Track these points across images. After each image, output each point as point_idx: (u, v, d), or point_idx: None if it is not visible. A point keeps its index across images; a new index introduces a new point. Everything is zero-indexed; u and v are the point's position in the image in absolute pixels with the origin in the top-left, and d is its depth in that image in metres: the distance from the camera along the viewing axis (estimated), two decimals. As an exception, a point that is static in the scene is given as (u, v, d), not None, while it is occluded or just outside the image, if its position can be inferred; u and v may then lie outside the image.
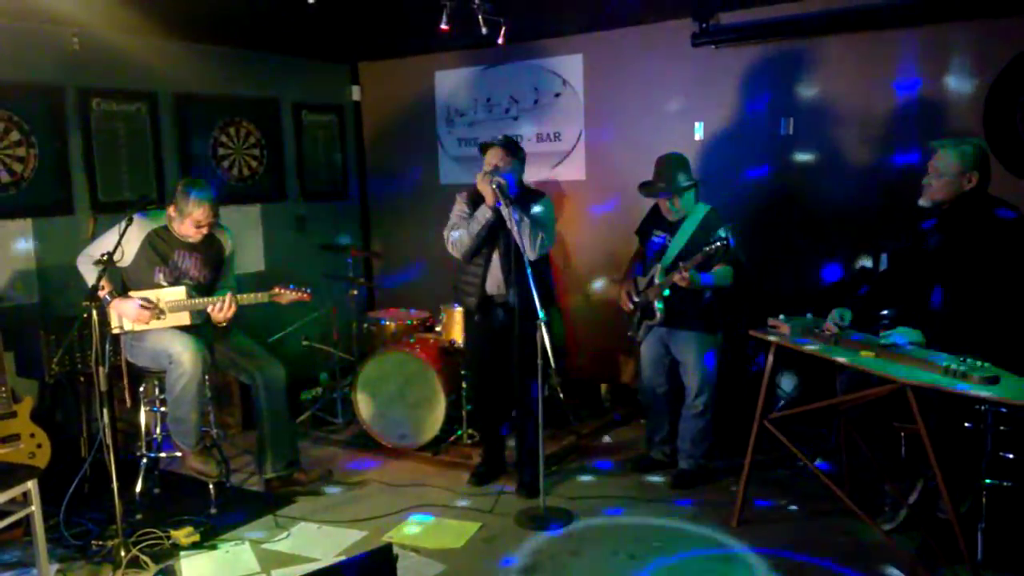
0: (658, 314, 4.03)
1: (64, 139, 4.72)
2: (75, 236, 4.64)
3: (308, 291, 3.99)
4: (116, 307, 3.81)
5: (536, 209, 3.94)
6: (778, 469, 4.18)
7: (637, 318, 4.23)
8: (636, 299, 4.19)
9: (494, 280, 4.00)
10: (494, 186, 3.76)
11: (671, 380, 4.24)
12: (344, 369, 5.40)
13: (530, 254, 3.76)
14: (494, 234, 3.93)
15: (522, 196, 3.93)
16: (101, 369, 3.30)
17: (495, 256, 3.99)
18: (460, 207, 4.07)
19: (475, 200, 4.00)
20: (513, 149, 3.97)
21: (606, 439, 4.93)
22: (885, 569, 3.24)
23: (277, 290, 3.96)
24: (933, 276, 3.26)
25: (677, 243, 4.02)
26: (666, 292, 3.97)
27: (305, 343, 5.45)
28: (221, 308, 3.85)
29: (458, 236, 3.95)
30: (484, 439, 4.37)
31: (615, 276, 4.37)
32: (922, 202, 3.33)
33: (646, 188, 4.10)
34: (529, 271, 3.64)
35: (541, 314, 3.54)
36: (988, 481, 3.14)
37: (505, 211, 3.77)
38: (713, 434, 4.19)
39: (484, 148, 4.01)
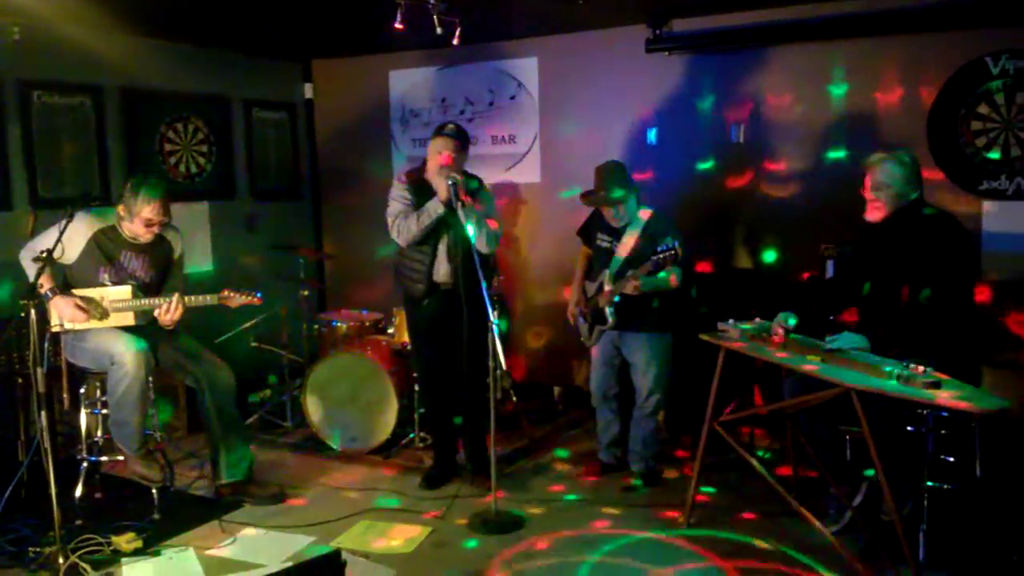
0: (610, 319, 4.05)
1: (3, 132, 4.56)
2: (14, 232, 4.49)
3: (258, 295, 3.91)
4: (55, 304, 3.69)
5: (484, 202, 3.95)
6: (730, 471, 4.23)
7: (589, 324, 4.24)
8: (585, 308, 4.20)
9: (441, 268, 3.97)
10: (450, 183, 3.74)
11: (622, 382, 4.26)
12: (294, 371, 5.32)
13: (484, 249, 3.74)
14: (441, 224, 3.89)
15: (466, 186, 3.87)
16: (39, 369, 3.19)
17: (442, 246, 3.96)
18: (401, 191, 3.99)
19: (417, 185, 3.95)
20: (463, 140, 3.95)
21: (559, 442, 4.93)
22: (830, 570, 3.30)
23: (226, 293, 3.87)
24: (883, 283, 3.32)
25: (623, 248, 4.05)
26: (616, 298, 4.00)
27: (254, 345, 5.35)
28: (168, 310, 3.76)
29: (404, 225, 3.89)
30: (436, 440, 4.34)
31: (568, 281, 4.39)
32: (871, 217, 3.38)
33: (588, 198, 4.12)
34: (478, 262, 3.63)
35: (493, 317, 3.53)
36: (930, 483, 3.21)
37: (460, 211, 3.75)
38: (664, 435, 4.23)
39: (434, 136, 3.95)
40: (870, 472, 3.29)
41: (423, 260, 3.97)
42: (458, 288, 3.91)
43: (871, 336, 3.25)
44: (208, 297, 3.84)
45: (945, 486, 3.25)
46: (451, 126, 3.96)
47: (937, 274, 3.18)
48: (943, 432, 3.26)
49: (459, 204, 3.73)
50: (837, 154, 4.67)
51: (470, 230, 3.75)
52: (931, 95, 4.40)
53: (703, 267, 5.05)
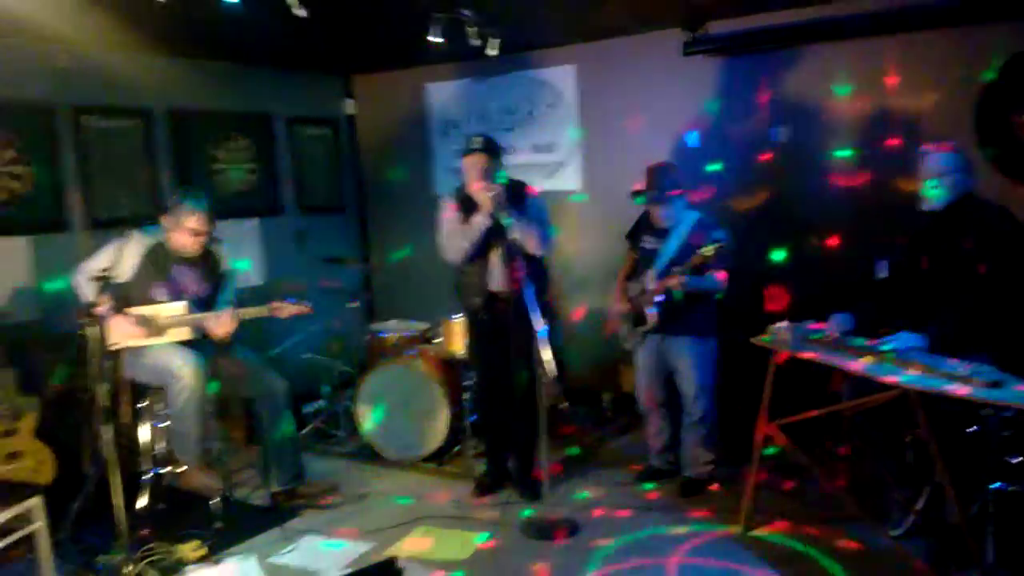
0: (650, 321, 4.04)
1: (58, 156, 4.70)
2: (72, 253, 4.60)
3: (308, 304, 3.98)
4: (114, 323, 3.79)
5: (530, 209, 3.98)
6: (786, 476, 4.18)
7: (630, 326, 4.24)
8: (628, 307, 4.19)
9: (496, 278, 4.01)
10: (491, 194, 3.77)
11: (669, 388, 4.24)
12: (346, 381, 5.38)
13: (537, 251, 3.79)
14: (491, 235, 3.93)
15: (510, 192, 3.90)
16: (101, 385, 3.29)
17: (494, 256, 3.99)
18: (451, 213, 4.05)
19: (464, 203, 3.99)
20: (493, 150, 3.96)
21: (610, 448, 4.92)
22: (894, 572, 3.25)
23: (276, 304, 3.94)
24: (947, 279, 3.27)
25: (668, 249, 4.04)
26: (659, 298, 3.99)
27: (306, 356, 5.43)
28: (221, 323, 3.84)
29: (457, 245, 3.95)
30: (488, 447, 4.36)
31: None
32: (928, 205, 3.34)
33: (640, 196, 4.13)
34: (533, 268, 3.70)
35: (541, 325, 3.54)
36: (995, 485, 3.15)
37: (505, 219, 3.78)
38: (719, 440, 4.20)
39: (464, 154, 3.98)
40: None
41: (478, 273, 4.01)
42: (515, 297, 3.94)
43: (928, 335, 3.20)
44: (260, 308, 3.93)
45: (1010, 487, 3.19)
46: (477, 139, 3.98)
47: (996, 267, 3.14)
48: (1005, 433, 3.21)
49: (502, 213, 3.76)
50: (885, 151, 4.61)
51: (516, 236, 3.78)
52: (980, 87, 4.33)
53: (748, 268, 5.01)
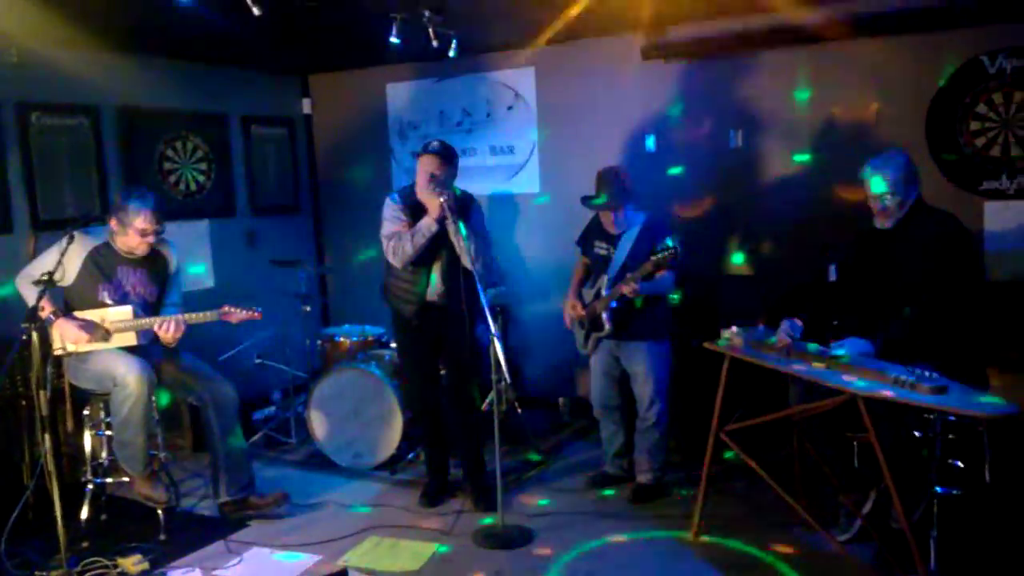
0: (607, 326, 4.03)
1: (3, 154, 4.57)
2: (15, 255, 4.49)
3: (258, 310, 3.89)
4: (58, 327, 3.69)
5: (474, 218, 3.94)
6: (737, 480, 4.20)
7: (585, 332, 4.23)
8: (582, 313, 4.18)
9: (435, 289, 3.97)
10: (441, 200, 3.72)
11: (623, 393, 4.24)
12: (297, 387, 5.31)
13: (476, 267, 3.71)
14: (434, 243, 3.88)
15: (456, 202, 3.86)
16: (42, 392, 3.19)
17: (436, 266, 3.95)
18: (394, 212, 3.97)
19: (410, 204, 3.94)
20: (450, 156, 3.91)
21: (564, 453, 4.91)
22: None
23: (226, 308, 3.85)
24: (898, 286, 3.30)
25: (620, 254, 4.04)
26: (613, 303, 3.98)
27: (257, 361, 5.34)
28: (168, 328, 3.75)
29: (399, 246, 3.87)
30: (429, 456, 4.30)
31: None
32: (882, 224, 3.38)
33: (589, 202, 4.11)
34: (478, 281, 3.62)
35: (493, 328, 3.52)
36: (939, 489, 3.19)
37: (451, 227, 3.75)
38: (670, 445, 4.21)
39: (419, 154, 3.93)
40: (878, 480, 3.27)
41: (416, 280, 3.95)
42: (451, 305, 3.91)
43: (877, 340, 3.23)
44: (209, 313, 3.83)
45: (954, 491, 3.23)
46: (435, 143, 3.93)
47: (941, 275, 3.18)
48: (951, 437, 3.25)
49: (449, 221, 3.72)
50: (834, 156, 4.66)
51: (459, 246, 3.75)
52: (928, 96, 4.39)
53: (703, 272, 5.04)
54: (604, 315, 4.03)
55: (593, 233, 4.22)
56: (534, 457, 4.73)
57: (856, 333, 3.33)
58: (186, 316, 3.79)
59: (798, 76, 4.73)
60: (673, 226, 4.11)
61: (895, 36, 4.43)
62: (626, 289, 3.83)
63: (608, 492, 4.26)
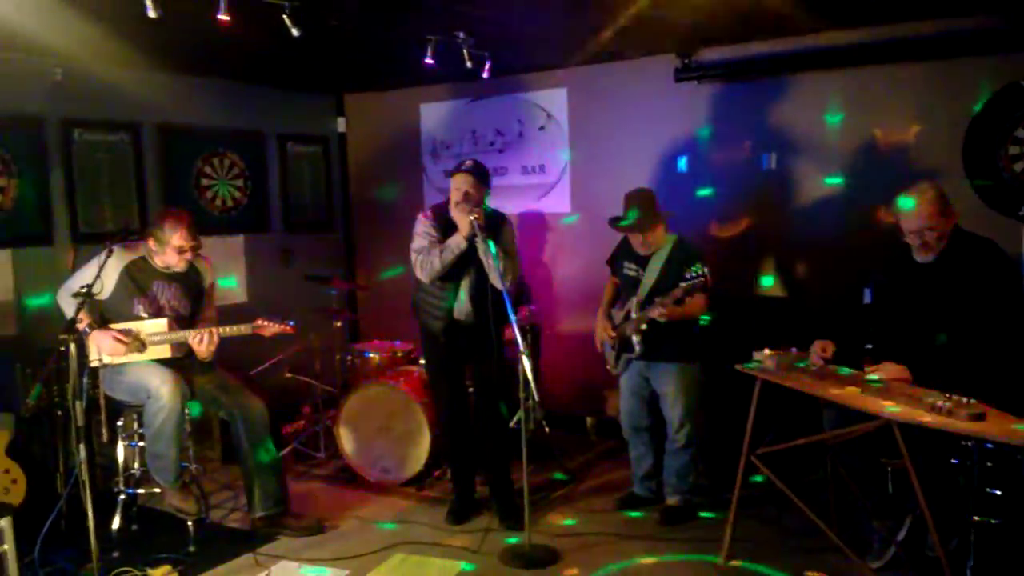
0: (636, 348, 4.02)
1: (46, 169, 4.68)
2: (55, 268, 4.59)
3: (291, 324, 3.93)
4: (94, 339, 3.75)
5: (504, 237, 3.95)
6: (768, 504, 4.15)
7: (616, 352, 4.22)
8: (612, 334, 4.17)
9: (463, 307, 3.99)
10: (472, 218, 3.75)
11: (653, 414, 4.21)
12: (327, 402, 5.34)
13: (502, 285, 3.72)
14: (464, 261, 3.90)
15: (488, 221, 3.87)
16: (78, 403, 3.24)
17: (464, 283, 3.97)
18: (426, 228, 4.00)
19: (441, 222, 3.96)
20: (482, 175, 3.93)
21: (593, 473, 4.88)
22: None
23: (260, 322, 3.90)
24: (942, 318, 3.25)
25: (650, 276, 4.03)
26: (643, 326, 3.97)
27: (288, 376, 5.39)
28: (203, 341, 3.80)
29: (427, 260, 3.89)
30: (455, 474, 4.29)
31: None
32: (923, 259, 3.31)
33: (617, 224, 4.11)
34: (507, 297, 3.62)
35: (522, 346, 3.52)
36: (976, 518, 3.13)
37: (481, 245, 3.77)
38: (699, 467, 4.17)
39: (453, 173, 3.96)
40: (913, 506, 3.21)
41: (444, 297, 3.98)
42: (479, 323, 3.92)
43: (913, 368, 3.18)
44: (243, 327, 3.87)
45: (992, 520, 3.16)
46: (469, 162, 3.97)
47: (985, 303, 3.12)
48: (988, 465, 3.18)
49: (479, 239, 3.74)
50: (868, 180, 4.62)
51: (488, 265, 3.77)
52: (965, 121, 4.35)
53: (734, 294, 5.00)
54: (633, 337, 4.01)
55: (623, 254, 4.21)
56: (560, 476, 4.71)
57: (891, 358, 3.29)
58: (220, 329, 3.84)
59: (832, 99, 4.70)
60: (700, 249, 4.08)
61: (931, 61, 4.40)
62: (655, 313, 3.82)
63: (636, 514, 4.22)
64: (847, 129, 4.69)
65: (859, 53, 4.54)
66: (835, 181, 4.75)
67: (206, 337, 3.80)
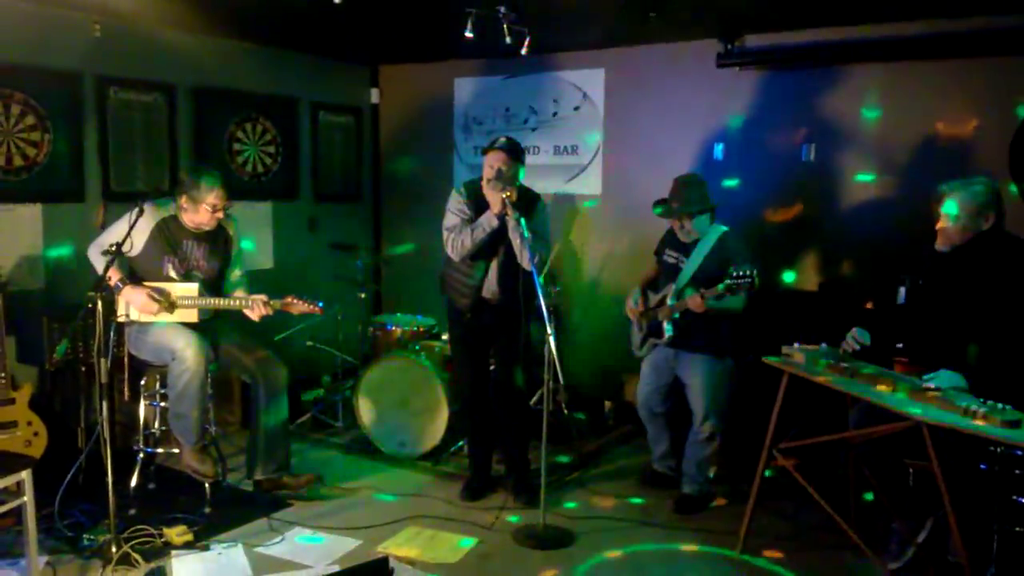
0: (666, 334, 3.97)
1: (80, 126, 4.68)
2: (85, 224, 4.61)
3: (320, 305, 3.91)
4: (126, 295, 3.76)
5: (536, 217, 3.90)
6: (787, 498, 4.10)
7: (643, 335, 4.17)
8: (640, 309, 4.12)
9: (491, 286, 3.96)
10: (504, 196, 3.71)
11: (671, 400, 4.17)
12: (347, 372, 5.34)
13: (527, 266, 3.68)
14: (494, 239, 3.86)
15: (521, 200, 3.83)
16: (103, 360, 3.26)
17: (495, 263, 3.93)
18: (459, 204, 3.96)
19: (474, 198, 3.93)
20: (517, 153, 3.88)
21: (609, 457, 4.85)
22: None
23: (290, 299, 3.89)
24: (958, 314, 3.19)
25: (691, 265, 3.97)
26: (676, 315, 3.92)
27: (309, 344, 5.40)
28: (256, 309, 3.83)
29: (458, 239, 3.86)
30: (473, 451, 4.28)
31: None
32: (940, 247, 3.28)
33: (660, 207, 4.05)
34: (536, 278, 3.57)
35: (549, 328, 3.48)
36: (1000, 525, 3.06)
37: (511, 223, 3.72)
38: (720, 459, 4.13)
39: (486, 150, 3.92)
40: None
41: (473, 276, 3.94)
42: (506, 303, 3.89)
43: (969, 375, 3.10)
44: (273, 302, 3.87)
45: (1017, 529, 3.10)
46: (503, 139, 3.91)
47: (1010, 305, 3.05)
48: (1017, 472, 3.12)
49: (510, 217, 3.70)
50: (910, 177, 4.52)
51: (517, 244, 3.73)
52: (1014, 120, 4.23)
53: (764, 287, 4.93)
54: (665, 323, 3.97)
55: (667, 242, 4.16)
56: (564, 459, 4.67)
57: (917, 357, 3.22)
58: (273, 301, 3.85)
59: (874, 93, 4.60)
60: (749, 245, 4.00)
61: (979, 58, 4.28)
62: (692, 304, 3.77)
63: (654, 499, 4.19)
64: (889, 124, 4.58)
65: (905, 47, 4.42)
66: (873, 177, 4.65)
67: (259, 305, 3.83)
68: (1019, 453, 3.01)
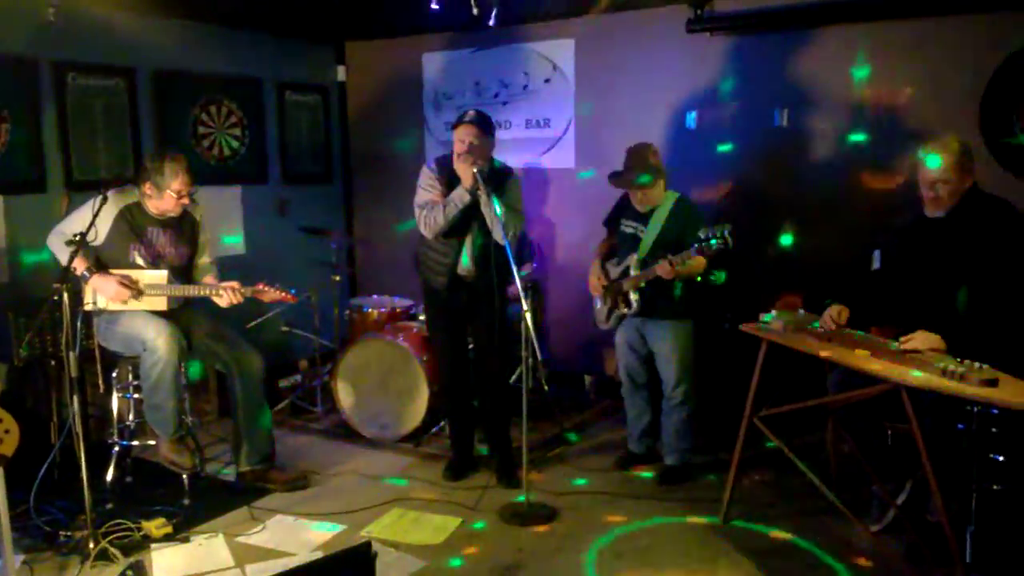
0: (634, 305, 3.96)
1: (38, 114, 4.55)
2: (48, 214, 4.48)
3: (292, 292, 3.86)
4: (94, 283, 3.68)
5: (509, 191, 3.86)
6: (768, 465, 4.12)
7: (608, 308, 4.15)
8: (605, 283, 4.10)
9: (466, 263, 3.92)
10: (475, 170, 3.65)
11: (650, 371, 4.16)
12: (324, 356, 5.29)
13: (501, 241, 3.64)
14: (468, 216, 3.81)
15: (493, 175, 3.80)
16: (71, 353, 3.19)
17: (468, 238, 3.89)
18: (430, 180, 3.91)
19: (446, 174, 3.87)
20: (487, 126, 3.83)
21: (590, 432, 4.85)
22: (871, 571, 3.20)
23: (260, 287, 3.82)
24: (950, 278, 3.18)
25: (651, 233, 3.95)
26: (643, 284, 3.90)
27: (285, 329, 5.33)
28: (226, 296, 3.77)
29: (431, 216, 3.81)
30: (454, 430, 4.26)
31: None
32: (932, 214, 3.25)
33: (617, 179, 4.01)
34: (509, 253, 3.54)
35: (524, 304, 3.45)
36: (978, 484, 3.09)
37: (483, 197, 3.68)
38: (697, 426, 4.13)
39: (456, 124, 3.85)
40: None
41: (448, 253, 3.90)
42: (481, 280, 3.85)
43: (947, 336, 3.10)
44: (244, 289, 3.81)
45: (995, 486, 3.13)
46: (472, 112, 3.86)
47: (998, 264, 3.05)
48: (993, 430, 3.14)
49: (482, 192, 3.65)
50: (883, 140, 4.51)
51: (489, 219, 3.68)
52: (983, 80, 4.22)
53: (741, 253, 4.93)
54: (631, 294, 3.95)
55: (622, 212, 4.13)
56: (572, 437, 4.67)
57: (901, 322, 3.22)
58: (244, 288, 3.78)
59: (849, 55, 4.56)
60: (700, 209, 3.99)
61: (952, 16, 4.26)
62: (661, 271, 3.74)
63: (635, 473, 4.20)
64: (864, 87, 4.55)
65: (876, 6, 4.39)
66: (850, 141, 4.63)
67: (230, 292, 3.76)
68: (995, 412, 3.02)
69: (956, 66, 4.29)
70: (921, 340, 3.03)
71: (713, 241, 3.50)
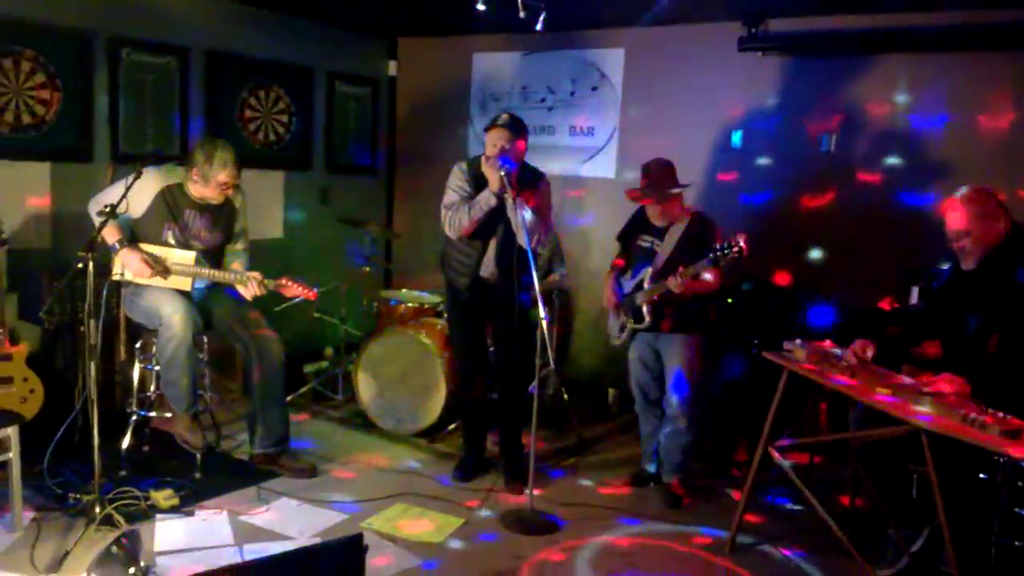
0: (647, 318, 3.90)
1: (90, 86, 4.66)
2: (92, 184, 4.58)
3: (315, 289, 3.87)
4: (122, 256, 3.74)
5: (539, 197, 3.84)
6: (774, 495, 4.01)
7: (620, 322, 4.10)
8: (619, 306, 4.06)
9: (489, 265, 3.90)
10: (502, 173, 3.64)
11: (662, 387, 4.09)
12: (350, 345, 5.31)
13: (526, 245, 3.61)
14: (493, 218, 3.79)
15: (523, 179, 3.78)
16: (92, 321, 3.24)
17: (493, 242, 3.87)
18: (459, 182, 3.90)
19: (475, 176, 3.85)
20: (519, 130, 3.80)
21: (607, 446, 4.79)
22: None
23: (284, 281, 3.84)
24: (981, 327, 3.07)
25: (666, 248, 3.90)
26: (655, 298, 3.85)
27: (315, 315, 5.37)
28: (249, 288, 3.80)
29: (456, 217, 3.80)
30: (467, 431, 4.23)
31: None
32: (965, 267, 3.15)
33: (635, 195, 3.97)
34: (531, 258, 3.51)
35: (543, 311, 3.42)
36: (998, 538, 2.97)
37: (509, 201, 3.66)
38: (698, 444, 4.07)
39: (489, 127, 3.83)
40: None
41: (471, 254, 3.89)
42: (504, 282, 3.83)
43: (972, 379, 2.99)
44: (267, 281, 3.83)
45: (1016, 543, 3.00)
46: (505, 116, 3.83)
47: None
48: (1020, 484, 3.01)
49: (508, 196, 3.63)
50: (931, 173, 4.38)
51: (514, 223, 3.66)
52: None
53: (781, 280, 4.83)
54: (644, 308, 3.90)
55: (638, 226, 4.08)
56: (561, 445, 4.62)
57: (934, 366, 3.12)
58: (267, 281, 3.81)
59: (901, 84, 4.46)
60: (716, 225, 3.93)
61: (1013, 51, 4.12)
62: (672, 284, 3.68)
63: (646, 491, 4.13)
64: (912, 118, 4.44)
65: (933, 37, 4.28)
66: (897, 173, 4.51)
67: (253, 285, 3.78)
68: (1022, 465, 2.90)
69: (1013, 101, 4.15)
70: (946, 383, 2.93)
71: (726, 250, 3.46)
